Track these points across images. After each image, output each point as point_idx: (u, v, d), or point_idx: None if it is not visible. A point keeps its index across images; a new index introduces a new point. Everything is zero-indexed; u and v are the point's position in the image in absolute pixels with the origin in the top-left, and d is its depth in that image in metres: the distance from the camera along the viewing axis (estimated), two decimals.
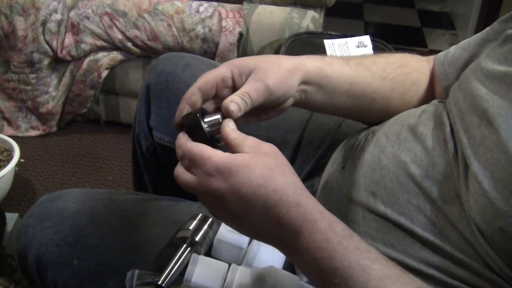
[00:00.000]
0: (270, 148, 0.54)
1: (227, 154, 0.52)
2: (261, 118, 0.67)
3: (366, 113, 0.77)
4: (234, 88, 0.63)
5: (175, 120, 0.60)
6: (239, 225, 0.55)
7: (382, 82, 0.74)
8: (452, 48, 0.78)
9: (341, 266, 0.49)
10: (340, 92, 0.71)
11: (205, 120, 0.57)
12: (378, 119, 0.76)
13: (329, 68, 0.69)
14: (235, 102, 0.58)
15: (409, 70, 0.78)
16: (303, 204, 0.51)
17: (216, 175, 0.51)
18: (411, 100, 0.77)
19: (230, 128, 0.56)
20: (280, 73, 0.63)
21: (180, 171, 0.55)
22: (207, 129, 0.56)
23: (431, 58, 0.81)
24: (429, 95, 0.78)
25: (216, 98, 0.63)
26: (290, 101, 0.67)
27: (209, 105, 0.63)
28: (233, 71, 0.62)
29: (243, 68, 0.63)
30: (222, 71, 0.62)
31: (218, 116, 0.57)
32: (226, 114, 0.57)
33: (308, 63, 0.67)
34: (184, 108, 0.60)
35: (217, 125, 0.57)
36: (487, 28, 0.74)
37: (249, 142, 0.54)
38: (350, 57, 0.75)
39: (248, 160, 0.51)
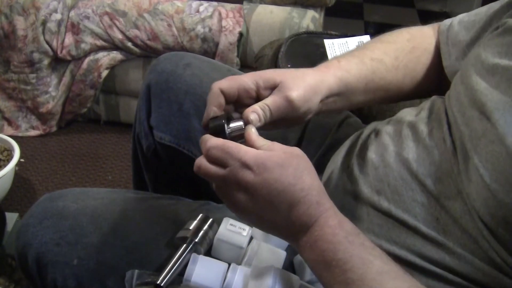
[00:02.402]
0: (300, 151, 0.57)
1: (263, 151, 0.55)
2: (279, 127, 0.68)
3: (380, 102, 0.79)
4: (258, 99, 0.65)
5: (203, 122, 0.63)
6: (258, 219, 0.57)
7: (395, 72, 0.76)
8: (456, 25, 0.78)
9: (343, 257, 0.52)
10: (358, 92, 0.73)
11: (230, 126, 0.61)
12: (389, 103, 0.79)
13: (349, 76, 0.71)
14: (256, 113, 0.61)
15: (419, 53, 0.79)
16: (322, 203, 0.55)
17: (251, 168, 0.54)
18: (422, 82, 0.78)
19: (255, 135, 0.58)
20: (305, 89, 0.65)
21: (205, 162, 0.57)
22: (230, 134, 0.60)
23: (436, 27, 0.81)
24: (437, 74, 0.79)
25: (238, 103, 0.65)
26: (311, 115, 0.69)
27: (229, 108, 0.65)
28: (258, 84, 0.64)
29: (268, 81, 0.65)
30: (247, 83, 0.64)
31: (241, 123, 0.61)
32: (246, 123, 0.60)
33: (330, 78, 0.69)
34: (211, 111, 0.63)
35: (239, 130, 0.60)
36: (492, 10, 0.73)
37: (277, 146, 0.57)
38: (363, 50, 0.76)
39: (283, 160, 0.55)
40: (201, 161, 0.57)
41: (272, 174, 0.54)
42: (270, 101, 0.63)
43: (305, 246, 0.55)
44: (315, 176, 0.56)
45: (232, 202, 0.56)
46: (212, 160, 0.56)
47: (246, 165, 0.54)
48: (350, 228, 0.55)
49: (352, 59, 0.73)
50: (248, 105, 0.63)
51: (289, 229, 0.56)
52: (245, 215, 0.57)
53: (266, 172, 0.54)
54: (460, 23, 0.78)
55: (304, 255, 0.56)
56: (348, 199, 0.70)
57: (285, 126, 0.68)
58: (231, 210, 0.58)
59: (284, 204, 0.54)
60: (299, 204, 0.54)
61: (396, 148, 0.68)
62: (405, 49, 0.78)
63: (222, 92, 0.63)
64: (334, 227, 0.54)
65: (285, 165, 0.54)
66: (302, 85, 0.65)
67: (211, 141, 0.57)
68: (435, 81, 0.78)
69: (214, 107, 0.63)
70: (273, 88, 0.65)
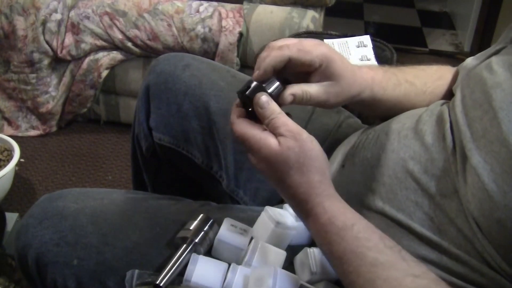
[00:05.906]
0: (293, 143, 0.58)
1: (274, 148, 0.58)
2: (330, 102, 0.69)
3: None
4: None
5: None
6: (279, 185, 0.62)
7: (423, 96, 0.78)
8: (469, 59, 0.81)
9: (337, 251, 0.57)
10: (384, 108, 0.76)
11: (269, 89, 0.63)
12: None
13: (383, 94, 0.74)
14: (294, 96, 0.64)
15: (445, 82, 0.81)
16: (309, 201, 0.58)
17: (266, 163, 0.59)
18: None
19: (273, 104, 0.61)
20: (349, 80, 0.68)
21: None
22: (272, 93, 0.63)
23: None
24: None
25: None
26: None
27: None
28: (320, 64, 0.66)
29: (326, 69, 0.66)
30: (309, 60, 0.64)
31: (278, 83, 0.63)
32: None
33: (367, 88, 0.71)
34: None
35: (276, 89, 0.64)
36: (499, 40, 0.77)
37: (283, 126, 0.60)
38: (400, 72, 0.78)
39: (272, 155, 0.58)
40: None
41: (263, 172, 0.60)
42: (315, 90, 0.65)
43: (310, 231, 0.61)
44: (310, 171, 0.58)
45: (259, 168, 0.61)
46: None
47: (260, 160, 0.59)
48: (341, 222, 0.57)
49: (392, 77, 0.76)
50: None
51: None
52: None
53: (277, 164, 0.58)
54: (472, 57, 0.81)
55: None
56: (343, 200, 0.70)
57: (334, 101, 0.70)
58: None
59: (283, 195, 0.61)
60: (290, 201, 0.60)
61: (393, 147, 0.68)
62: (434, 76, 0.81)
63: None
64: (325, 225, 0.57)
65: (272, 161, 0.58)
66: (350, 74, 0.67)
67: (237, 132, 0.60)
68: None
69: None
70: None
